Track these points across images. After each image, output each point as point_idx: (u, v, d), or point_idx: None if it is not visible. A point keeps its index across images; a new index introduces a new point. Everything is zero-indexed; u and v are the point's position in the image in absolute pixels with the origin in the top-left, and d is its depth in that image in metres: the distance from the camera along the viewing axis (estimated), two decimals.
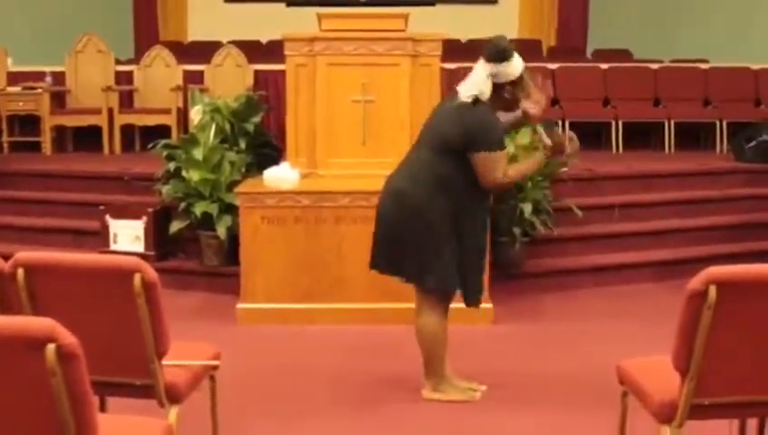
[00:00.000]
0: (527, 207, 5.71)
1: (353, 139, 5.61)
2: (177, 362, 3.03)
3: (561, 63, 9.13)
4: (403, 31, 5.68)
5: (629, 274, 6.33)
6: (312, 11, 6.03)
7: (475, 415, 3.95)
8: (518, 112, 4.08)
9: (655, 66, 9.21)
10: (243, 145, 6.07)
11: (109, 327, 2.85)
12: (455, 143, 3.86)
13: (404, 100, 5.57)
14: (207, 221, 5.81)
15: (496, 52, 3.88)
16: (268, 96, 7.88)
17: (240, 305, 5.34)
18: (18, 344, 2.02)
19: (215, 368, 3.30)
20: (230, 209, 5.71)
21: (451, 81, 7.48)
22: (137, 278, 2.75)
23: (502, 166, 3.90)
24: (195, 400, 3.18)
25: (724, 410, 2.85)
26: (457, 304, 4.12)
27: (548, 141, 4.04)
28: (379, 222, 4.02)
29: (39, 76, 8.47)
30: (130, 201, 6.44)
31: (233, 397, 3.94)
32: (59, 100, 8.56)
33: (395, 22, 5.71)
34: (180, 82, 8.44)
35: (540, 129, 4.07)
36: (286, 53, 5.70)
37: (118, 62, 8.91)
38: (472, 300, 4.04)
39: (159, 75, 8.56)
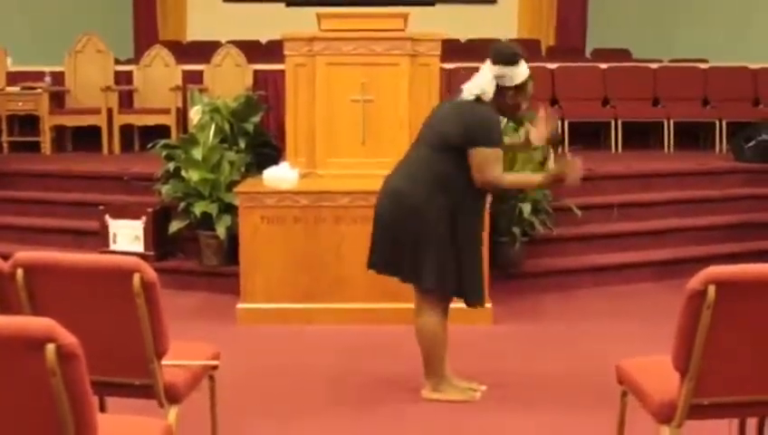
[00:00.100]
0: (526, 207, 5.71)
1: (352, 138, 5.61)
2: (177, 362, 3.03)
3: (561, 63, 9.13)
4: (402, 31, 5.68)
5: (629, 273, 6.33)
6: (311, 11, 6.03)
7: (475, 415, 3.96)
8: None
9: (654, 66, 9.21)
10: (242, 145, 6.07)
11: (108, 327, 2.85)
12: (454, 140, 3.86)
13: (403, 99, 5.57)
14: (207, 221, 5.81)
15: (505, 54, 3.90)
16: (267, 96, 7.87)
17: (239, 305, 5.34)
18: (18, 344, 2.02)
19: (214, 368, 3.30)
20: (229, 209, 5.71)
21: (450, 80, 7.54)
22: (136, 278, 2.75)
23: (498, 165, 3.89)
24: (194, 400, 3.18)
25: (724, 410, 2.85)
26: (457, 304, 4.12)
27: (553, 167, 3.99)
28: (376, 222, 4.02)
29: (38, 76, 8.47)
30: (130, 201, 6.44)
31: (232, 397, 3.94)
32: (58, 100, 8.56)
33: (394, 21, 5.71)
34: (180, 81, 8.44)
35: (550, 153, 4.03)
36: (285, 52, 5.71)
37: (117, 61, 8.91)
38: (473, 300, 4.04)
39: (159, 75, 8.56)
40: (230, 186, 5.74)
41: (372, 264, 4.06)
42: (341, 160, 5.61)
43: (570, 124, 8.40)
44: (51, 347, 2.00)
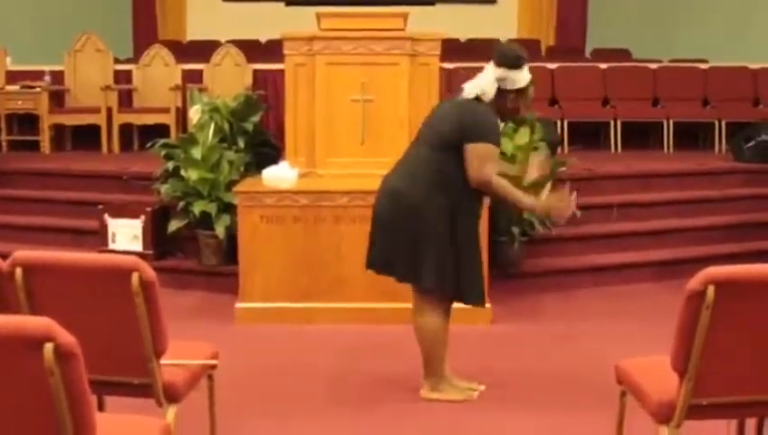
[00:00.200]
0: None
1: (352, 138, 5.61)
2: (176, 361, 3.03)
3: (560, 63, 9.13)
4: (402, 30, 5.68)
5: (628, 273, 6.33)
6: (311, 10, 6.02)
7: (474, 415, 3.95)
8: (531, 201, 3.90)
9: (654, 66, 9.21)
10: (241, 144, 6.07)
11: (107, 326, 2.85)
12: (452, 138, 3.85)
13: (403, 99, 5.57)
14: (206, 220, 5.81)
15: (509, 57, 3.89)
16: (267, 95, 7.87)
17: (238, 305, 5.33)
18: (16, 344, 2.02)
19: (213, 367, 3.30)
20: (229, 209, 5.71)
21: (450, 80, 7.54)
22: (135, 277, 2.75)
23: (493, 164, 3.86)
24: (193, 399, 3.18)
25: (723, 411, 2.85)
26: (457, 304, 4.12)
27: (546, 198, 3.88)
28: (375, 221, 4.02)
29: (38, 75, 8.47)
30: (129, 200, 6.44)
31: (231, 396, 3.94)
32: (58, 99, 8.55)
33: (394, 21, 5.71)
34: (179, 81, 8.43)
35: (547, 187, 3.95)
36: (285, 52, 5.70)
37: (117, 61, 8.90)
38: (473, 301, 4.03)
39: (158, 74, 8.56)
40: (229, 185, 5.73)
41: (370, 263, 4.05)
42: (341, 160, 5.61)
43: (569, 124, 8.40)
44: (49, 346, 2.00)
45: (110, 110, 8.29)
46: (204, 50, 9.16)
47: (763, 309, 2.67)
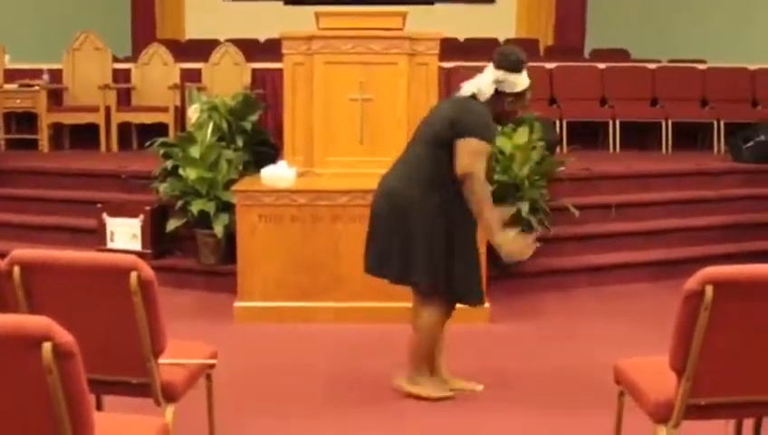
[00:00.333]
0: (524, 207, 5.71)
1: (351, 137, 5.61)
2: (174, 360, 3.03)
3: (559, 63, 9.13)
4: (401, 30, 5.68)
5: (626, 273, 6.33)
6: (309, 9, 6.03)
7: (473, 414, 3.96)
8: (497, 227, 3.84)
9: (652, 66, 9.20)
10: (240, 143, 6.07)
11: (105, 325, 2.85)
12: (444, 135, 3.85)
13: (401, 98, 5.58)
14: (204, 219, 5.81)
15: (509, 60, 3.89)
16: (266, 94, 7.88)
17: (237, 304, 5.33)
18: (14, 343, 2.02)
19: (211, 367, 3.30)
20: (227, 208, 5.71)
21: (449, 80, 7.54)
22: (133, 276, 2.75)
23: (481, 160, 3.81)
24: (191, 398, 3.18)
25: (721, 411, 2.85)
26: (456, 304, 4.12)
27: (509, 237, 3.86)
28: (371, 222, 4.03)
29: (36, 74, 8.46)
30: (127, 199, 6.44)
31: (229, 395, 3.94)
32: (56, 97, 8.55)
33: (393, 20, 5.71)
34: (178, 80, 8.43)
35: (514, 232, 3.93)
36: (284, 51, 5.71)
37: (115, 59, 8.90)
38: (471, 300, 4.03)
39: (157, 73, 8.55)
40: (228, 184, 5.73)
41: (367, 268, 4.06)
42: (339, 159, 5.61)
43: (568, 124, 8.40)
44: (47, 345, 2.00)
45: (108, 108, 8.29)
46: (202, 49, 9.15)
47: (761, 309, 2.67)
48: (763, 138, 7.52)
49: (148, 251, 5.97)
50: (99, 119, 8.27)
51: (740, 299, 2.64)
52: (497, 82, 3.89)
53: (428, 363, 4.13)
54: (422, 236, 3.87)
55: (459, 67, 7.84)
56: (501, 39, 10.52)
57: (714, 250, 6.51)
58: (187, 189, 5.86)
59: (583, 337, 5.08)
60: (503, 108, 3.94)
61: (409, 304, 4.13)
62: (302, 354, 4.76)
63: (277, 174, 5.40)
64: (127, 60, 9.43)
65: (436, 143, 3.88)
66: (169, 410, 2.97)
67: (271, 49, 8.32)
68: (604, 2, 11.34)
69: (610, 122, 8.56)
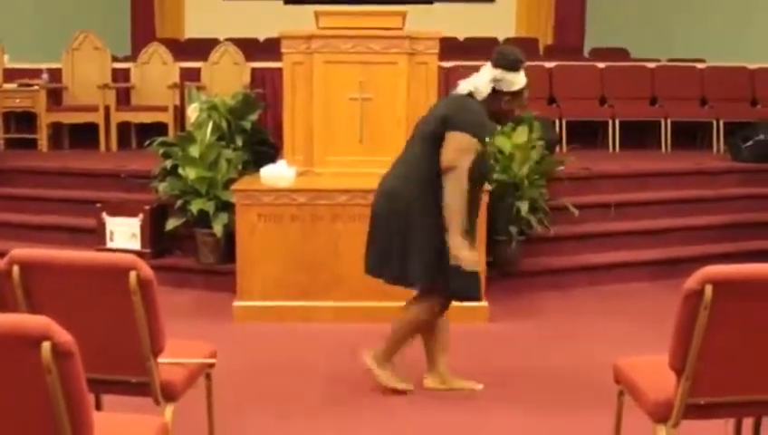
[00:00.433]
0: (524, 206, 5.72)
1: (350, 137, 5.61)
2: (173, 359, 3.03)
3: (558, 62, 9.13)
4: (400, 29, 5.68)
5: (625, 273, 6.33)
6: (309, 9, 6.02)
7: (472, 413, 3.96)
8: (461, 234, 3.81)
9: (652, 65, 9.20)
10: (239, 143, 6.06)
11: (104, 325, 2.85)
12: (437, 131, 3.85)
13: (401, 98, 5.57)
14: (204, 219, 5.80)
15: (507, 59, 3.90)
16: (265, 94, 7.87)
17: (236, 303, 5.33)
18: (14, 342, 2.02)
19: (211, 366, 3.30)
20: (226, 207, 5.71)
21: (449, 79, 7.53)
22: (133, 276, 2.75)
23: (467, 156, 3.79)
24: (191, 397, 3.18)
25: (720, 410, 2.85)
26: (456, 304, 4.12)
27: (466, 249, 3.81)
28: (372, 222, 4.03)
29: (36, 73, 8.46)
30: (127, 198, 6.43)
31: (229, 395, 3.94)
32: (55, 97, 8.54)
33: (392, 20, 5.71)
34: (177, 79, 8.43)
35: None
36: (283, 50, 5.70)
37: (115, 59, 8.90)
38: (467, 296, 4.03)
39: (156, 73, 8.55)
40: (227, 184, 5.73)
41: (368, 269, 4.06)
42: (339, 159, 5.61)
43: (567, 123, 8.40)
44: (46, 345, 2.00)
45: (107, 108, 8.28)
46: (202, 48, 9.14)
47: (761, 308, 2.67)
48: (762, 137, 7.52)
49: (148, 250, 5.97)
50: (98, 118, 8.26)
51: (739, 298, 2.64)
52: (495, 80, 3.89)
53: (392, 355, 4.17)
54: (420, 236, 3.87)
55: (459, 66, 7.84)
56: (500, 38, 10.52)
57: (713, 249, 6.51)
58: (187, 189, 5.86)
59: (582, 336, 5.08)
60: (499, 106, 3.94)
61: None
62: (301, 354, 4.76)
63: (277, 173, 5.40)
64: (126, 59, 9.43)
65: (432, 141, 3.88)
66: (169, 410, 2.97)
67: (270, 48, 8.32)
68: (604, 1, 11.34)
69: (610, 122, 8.56)
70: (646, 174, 7.21)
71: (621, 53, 10.44)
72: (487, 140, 4.00)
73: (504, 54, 3.93)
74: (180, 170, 5.87)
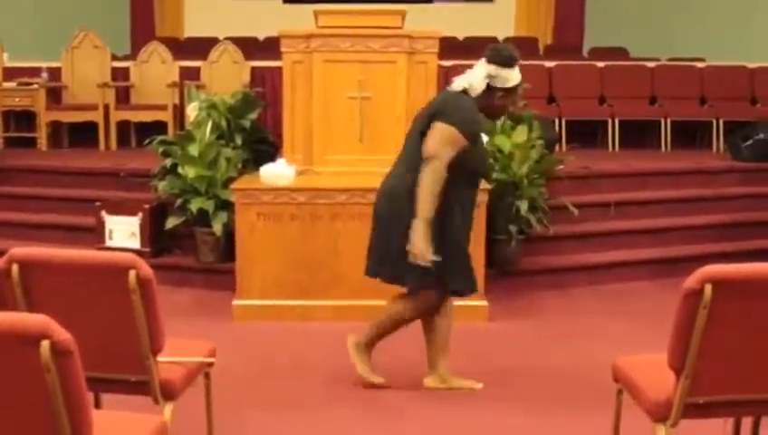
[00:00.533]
0: (523, 205, 5.72)
1: (350, 136, 5.61)
2: (173, 358, 3.03)
3: (558, 62, 9.13)
4: (400, 28, 5.68)
5: (625, 272, 6.33)
6: (308, 7, 6.03)
7: (472, 412, 3.96)
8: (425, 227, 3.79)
9: (651, 64, 9.21)
10: (239, 141, 6.06)
11: (104, 323, 2.85)
12: (427, 123, 3.86)
13: (401, 97, 5.57)
14: (203, 218, 5.80)
15: (501, 55, 3.90)
16: (265, 93, 7.87)
17: (236, 302, 5.33)
18: (13, 341, 2.02)
19: (210, 365, 3.30)
20: (226, 206, 5.71)
21: (448, 78, 7.51)
22: (132, 275, 2.75)
23: (449, 149, 3.77)
24: (190, 396, 3.18)
25: (719, 409, 2.86)
26: (455, 302, 4.12)
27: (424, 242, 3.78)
28: (374, 223, 4.03)
29: (35, 72, 8.46)
30: (126, 197, 6.43)
31: (228, 393, 3.94)
32: (55, 95, 8.54)
33: (392, 19, 5.70)
34: (176, 78, 8.43)
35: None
36: (283, 49, 5.70)
37: (114, 57, 8.90)
38: (462, 287, 4.04)
39: (156, 71, 8.55)
40: (227, 182, 5.73)
41: (368, 270, 4.06)
42: (339, 157, 5.61)
43: (567, 123, 8.41)
44: (46, 343, 2.00)
45: (107, 107, 8.28)
46: (201, 47, 9.14)
47: (760, 308, 2.67)
48: (761, 136, 7.52)
49: (147, 249, 5.97)
50: (98, 117, 8.26)
51: (739, 298, 2.64)
52: (489, 76, 3.89)
53: (374, 345, 4.21)
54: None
55: (458, 66, 7.83)
56: (500, 38, 10.51)
57: (712, 249, 6.52)
58: (186, 188, 5.86)
59: (582, 335, 5.08)
60: (493, 103, 3.95)
61: None
62: (301, 352, 4.76)
63: (276, 172, 5.40)
64: (126, 58, 9.43)
65: (423, 140, 3.88)
66: (168, 408, 2.97)
67: (270, 47, 8.31)
68: (603, 1, 11.33)
69: (609, 121, 8.56)
70: (645, 173, 7.21)
71: (621, 53, 10.43)
72: (484, 138, 4.00)
73: (498, 51, 3.93)
74: (180, 169, 5.87)
